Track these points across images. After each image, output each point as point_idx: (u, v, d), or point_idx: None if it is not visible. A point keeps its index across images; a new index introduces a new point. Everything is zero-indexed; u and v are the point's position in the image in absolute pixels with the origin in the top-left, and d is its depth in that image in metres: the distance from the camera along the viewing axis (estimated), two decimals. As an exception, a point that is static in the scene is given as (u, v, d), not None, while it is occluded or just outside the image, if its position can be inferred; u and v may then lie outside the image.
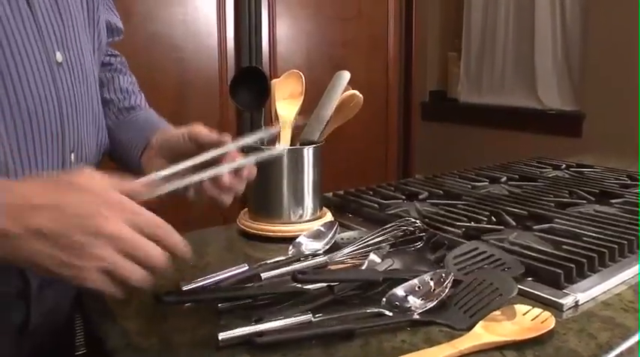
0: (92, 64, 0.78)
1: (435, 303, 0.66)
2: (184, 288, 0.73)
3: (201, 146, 0.72)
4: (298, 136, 1.02)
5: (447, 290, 0.68)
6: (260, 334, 0.60)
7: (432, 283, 0.69)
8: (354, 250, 0.83)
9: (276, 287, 0.71)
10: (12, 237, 0.48)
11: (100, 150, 0.81)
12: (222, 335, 0.60)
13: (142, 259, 0.51)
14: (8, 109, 0.62)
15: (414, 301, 0.67)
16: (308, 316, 0.64)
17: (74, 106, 0.70)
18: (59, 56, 0.68)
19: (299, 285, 0.70)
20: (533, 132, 3.48)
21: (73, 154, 0.71)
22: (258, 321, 0.63)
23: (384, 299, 0.68)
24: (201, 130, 0.74)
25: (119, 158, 0.86)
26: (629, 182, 1.30)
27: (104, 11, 0.86)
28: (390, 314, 0.66)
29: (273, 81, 1.04)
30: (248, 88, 1.00)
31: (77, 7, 0.73)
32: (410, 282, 0.69)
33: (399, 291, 0.68)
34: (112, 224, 0.50)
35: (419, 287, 0.69)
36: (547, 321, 0.63)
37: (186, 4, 1.92)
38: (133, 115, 0.88)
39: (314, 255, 0.84)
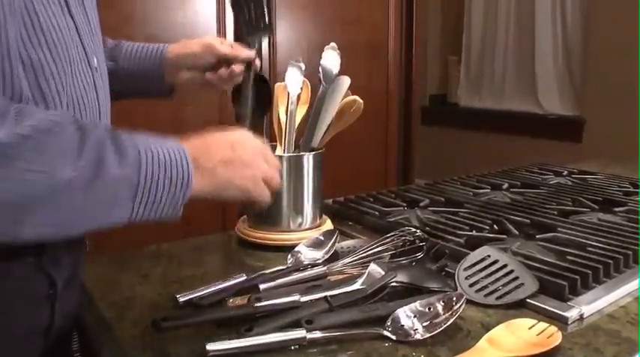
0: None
1: (442, 329, 0.64)
2: (181, 300, 0.72)
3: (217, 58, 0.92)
4: (298, 142, 1.00)
5: (456, 315, 0.65)
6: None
7: (440, 307, 0.66)
8: (353, 261, 0.82)
9: (273, 301, 0.69)
10: (208, 169, 0.64)
11: None
12: (210, 346, 0.58)
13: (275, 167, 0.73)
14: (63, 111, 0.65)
15: (419, 326, 0.65)
16: (302, 333, 0.62)
17: (105, 106, 0.75)
18: (95, 61, 0.72)
19: (297, 298, 0.69)
20: (534, 137, 3.47)
21: None
22: (249, 330, 0.62)
23: (388, 321, 0.65)
24: (216, 44, 0.92)
25: (126, 89, 0.94)
26: (631, 190, 1.29)
27: None
28: (394, 337, 0.64)
29: (277, 84, 1.02)
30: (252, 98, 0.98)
31: (93, 16, 0.77)
32: (417, 303, 0.67)
33: (405, 314, 0.66)
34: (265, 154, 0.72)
35: (428, 309, 0.66)
36: (553, 336, 0.62)
37: (185, 7, 1.91)
38: (126, 47, 0.96)
39: (313, 265, 0.83)
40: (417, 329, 0.64)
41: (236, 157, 0.68)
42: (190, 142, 0.65)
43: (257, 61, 0.95)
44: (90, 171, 0.54)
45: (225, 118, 2.00)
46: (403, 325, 0.65)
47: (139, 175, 0.57)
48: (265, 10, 0.94)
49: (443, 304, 0.67)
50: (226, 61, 0.93)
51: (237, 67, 0.93)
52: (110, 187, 0.56)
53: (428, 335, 0.63)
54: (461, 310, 0.65)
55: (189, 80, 0.96)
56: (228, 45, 0.93)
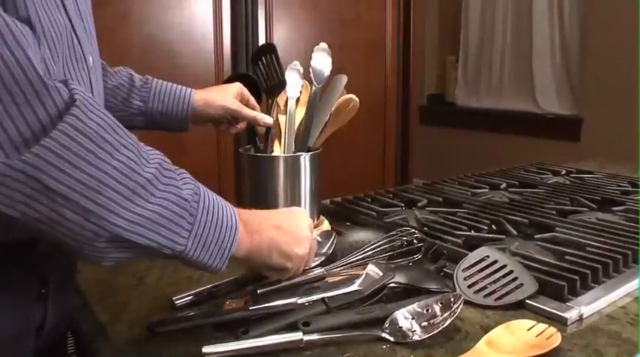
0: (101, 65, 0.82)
1: (440, 329, 0.63)
2: (177, 301, 0.71)
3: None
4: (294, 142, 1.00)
5: (454, 316, 0.65)
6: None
7: (437, 309, 0.66)
8: (351, 262, 0.81)
9: (270, 303, 0.69)
10: (255, 229, 0.65)
11: None
12: (206, 349, 0.58)
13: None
14: None
15: (417, 327, 0.64)
16: (299, 335, 0.61)
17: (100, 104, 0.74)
18: (91, 60, 0.72)
19: (293, 300, 0.68)
20: (532, 136, 3.47)
21: None
22: (245, 332, 0.61)
23: (386, 323, 0.65)
24: (241, 111, 0.98)
25: (148, 125, 1.00)
26: (630, 189, 1.29)
27: None
28: (391, 339, 0.63)
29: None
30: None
31: (88, 15, 0.76)
32: (415, 305, 0.67)
33: (403, 315, 0.66)
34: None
35: (426, 310, 0.66)
36: (553, 337, 0.61)
37: (182, 7, 1.90)
38: (154, 87, 0.99)
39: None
40: (414, 330, 0.64)
41: (286, 223, 0.70)
42: (244, 210, 0.67)
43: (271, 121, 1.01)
44: (161, 179, 0.55)
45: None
46: (401, 327, 0.64)
47: (199, 205, 0.58)
48: (278, 67, 1.00)
49: (441, 304, 0.66)
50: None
51: (242, 126, 1.02)
52: (177, 203, 0.56)
53: (426, 336, 0.63)
54: (459, 310, 0.65)
55: (209, 125, 1.04)
56: (251, 108, 1.00)
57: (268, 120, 0.99)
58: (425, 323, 0.64)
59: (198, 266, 0.59)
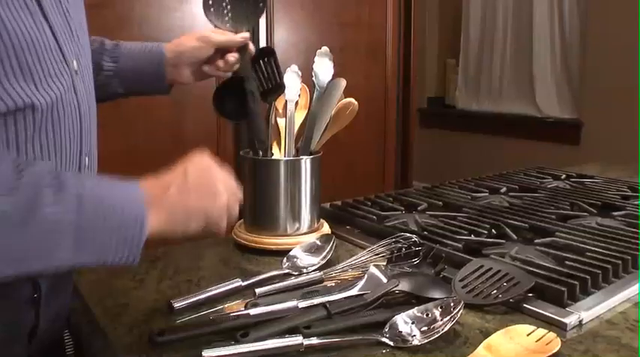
0: (91, 68, 0.81)
1: (439, 334, 0.63)
2: (176, 306, 0.71)
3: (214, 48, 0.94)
4: (297, 146, 1.00)
5: (454, 320, 0.64)
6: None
7: (437, 313, 0.66)
8: (349, 266, 0.81)
9: (270, 308, 0.68)
10: (162, 204, 0.61)
11: (98, 153, 0.83)
12: (206, 353, 0.58)
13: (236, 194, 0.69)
14: (39, 117, 0.63)
15: (417, 332, 0.64)
16: (299, 339, 0.61)
17: (88, 111, 0.73)
18: (75, 64, 0.70)
19: (293, 304, 0.68)
20: (531, 139, 3.48)
21: (87, 158, 0.74)
22: (244, 336, 0.61)
23: (386, 327, 0.65)
24: (209, 34, 0.93)
25: (125, 88, 0.96)
26: (630, 193, 1.29)
27: None
28: (391, 343, 0.63)
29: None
30: (236, 98, 0.97)
31: (76, 17, 0.75)
32: (415, 309, 0.66)
33: (403, 320, 0.65)
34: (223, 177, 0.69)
35: (426, 315, 0.66)
36: (552, 343, 0.61)
37: (183, 9, 1.90)
38: (124, 47, 0.96)
39: (309, 270, 0.83)
40: (414, 335, 0.64)
41: (190, 183, 0.64)
42: (149, 180, 0.63)
43: (251, 46, 0.97)
44: (24, 207, 0.51)
45: (223, 122, 1.99)
46: (401, 331, 0.64)
47: (80, 216, 0.54)
48: (277, 70, 1.00)
49: (441, 309, 0.66)
50: (222, 51, 0.95)
51: (232, 56, 0.94)
52: (46, 226, 0.52)
53: (426, 341, 0.63)
54: (459, 315, 0.65)
55: (189, 77, 0.97)
56: (221, 33, 0.95)
57: (244, 34, 0.96)
58: (425, 328, 0.64)
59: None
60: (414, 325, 0.65)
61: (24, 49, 0.60)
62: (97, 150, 0.83)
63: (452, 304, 0.66)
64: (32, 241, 0.52)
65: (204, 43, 0.94)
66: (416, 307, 0.67)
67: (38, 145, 0.64)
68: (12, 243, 0.51)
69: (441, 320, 0.65)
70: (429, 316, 0.66)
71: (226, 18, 0.99)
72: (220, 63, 0.95)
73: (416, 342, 0.63)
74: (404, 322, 0.65)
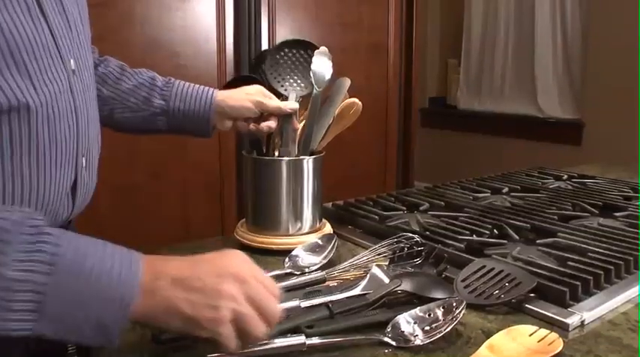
0: (92, 69, 0.80)
1: (442, 334, 0.63)
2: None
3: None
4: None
5: (456, 321, 0.64)
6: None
7: (439, 313, 0.66)
8: (351, 266, 0.81)
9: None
10: (157, 288, 0.52)
11: (99, 154, 0.83)
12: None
13: (264, 309, 0.55)
14: (34, 116, 0.62)
15: (419, 332, 0.64)
16: (302, 339, 0.61)
17: (85, 112, 0.73)
18: (72, 63, 0.70)
19: (295, 304, 0.68)
20: (533, 140, 3.48)
21: (84, 158, 0.73)
22: None
23: (388, 327, 0.65)
24: (265, 102, 0.93)
25: (178, 128, 0.97)
26: (631, 194, 1.29)
27: None
28: (394, 343, 0.63)
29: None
30: None
31: (77, 16, 0.75)
32: (417, 309, 0.67)
33: (405, 320, 0.66)
34: (242, 270, 0.56)
35: (428, 315, 0.66)
36: (554, 343, 0.61)
37: (185, 9, 1.90)
38: (176, 87, 0.96)
39: (311, 269, 0.83)
40: (417, 335, 0.64)
41: (196, 275, 0.54)
42: (152, 257, 0.55)
43: (295, 120, 0.97)
44: None
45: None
46: (403, 331, 0.64)
47: (48, 279, 0.48)
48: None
49: (443, 309, 0.66)
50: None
51: (274, 122, 0.95)
52: (3, 286, 0.47)
53: (428, 341, 0.63)
54: (461, 315, 0.65)
55: (228, 127, 0.97)
56: (275, 100, 0.95)
57: (293, 105, 0.96)
58: (427, 327, 0.64)
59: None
60: (416, 325, 0.65)
61: (19, 46, 0.60)
62: (99, 151, 0.83)
63: (454, 304, 0.66)
64: None
65: (256, 107, 0.94)
66: (418, 307, 0.67)
67: (34, 145, 0.64)
68: None
69: (443, 320, 0.65)
70: (432, 316, 0.66)
71: (282, 82, 1.02)
72: (264, 127, 0.94)
73: (418, 342, 0.63)
74: (406, 322, 0.65)
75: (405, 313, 0.66)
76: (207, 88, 0.97)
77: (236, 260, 0.57)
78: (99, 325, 0.50)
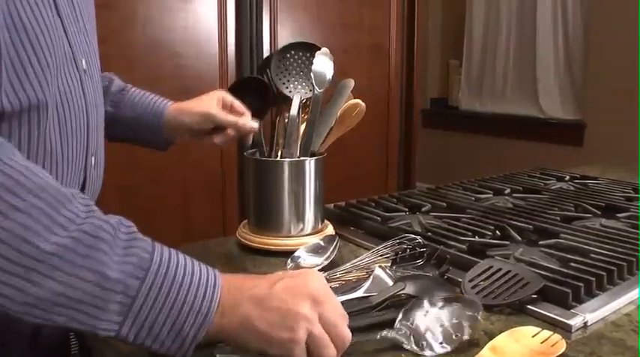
0: (100, 69, 0.81)
1: (456, 345, 0.62)
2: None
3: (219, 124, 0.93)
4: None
5: (470, 331, 0.63)
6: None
7: (450, 328, 0.64)
8: (353, 267, 0.81)
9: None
10: (230, 305, 0.53)
11: (105, 152, 0.83)
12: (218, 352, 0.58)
13: (336, 333, 0.56)
14: (44, 115, 0.62)
15: (434, 341, 0.62)
16: None
17: (95, 111, 0.73)
18: (84, 63, 0.70)
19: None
20: (535, 140, 3.48)
21: (93, 158, 0.74)
22: None
23: (401, 329, 0.64)
24: (216, 114, 0.92)
25: (123, 135, 0.96)
26: (633, 195, 1.28)
27: None
28: (408, 348, 0.62)
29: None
30: (247, 98, 0.98)
31: (87, 16, 0.75)
32: (431, 317, 0.65)
33: (419, 323, 0.64)
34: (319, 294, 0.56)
35: (441, 325, 0.64)
36: (557, 344, 0.61)
37: (187, 9, 1.90)
38: (129, 95, 0.96)
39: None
40: (431, 343, 0.62)
41: (272, 297, 0.54)
42: (230, 275, 0.56)
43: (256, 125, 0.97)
44: (80, 250, 0.48)
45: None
46: (417, 338, 0.63)
47: (140, 284, 0.50)
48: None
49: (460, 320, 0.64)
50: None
51: (231, 132, 0.95)
52: (99, 281, 0.48)
53: (449, 348, 0.62)
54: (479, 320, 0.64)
55: (186, 139, 0.98)
56: (226, 112, 0.94)
57: (252, 124, 0.95)
58: (441, 335, 0.63)
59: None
60: (429, 333, 0.63)
61: (41, 43, 0.60)
62: (105, 150, 0.83)
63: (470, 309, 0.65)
64: (81, 294, 0.48)
65: (209, 120, 0.94)
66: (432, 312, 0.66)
67: (48, 144, 0.64)
68: (52, 288, 0.47)
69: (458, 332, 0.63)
70: (446, 325, 0.64)
71: (287, 84, 1.02)
72: (217, 139, 0.96)
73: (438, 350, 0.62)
74: (422, 327, 0.63)
75: (419, 319, 0.64)
76: (160, 100, 0.97)
77: (312, 280, 0.57)
78: (178, 334, 0.51)
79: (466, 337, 0.63)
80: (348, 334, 0.57)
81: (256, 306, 0.53)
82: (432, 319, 0.65)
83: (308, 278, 0.58)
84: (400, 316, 0.65)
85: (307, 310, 0.54)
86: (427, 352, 0.61)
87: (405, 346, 0.62)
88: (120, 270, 0.49)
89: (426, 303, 0.66)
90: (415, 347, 0.62)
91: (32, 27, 0.58)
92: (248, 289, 0.55)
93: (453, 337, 0.63)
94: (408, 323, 0.64)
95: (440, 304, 0.66)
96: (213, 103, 0.95)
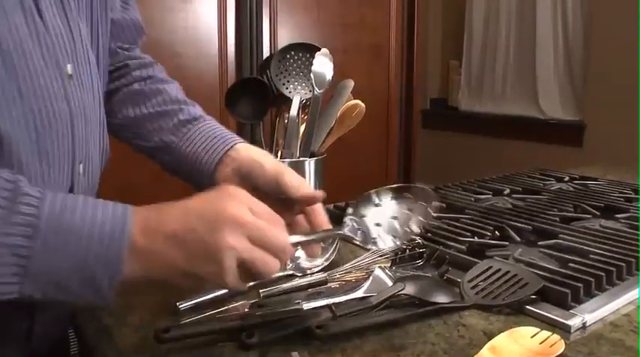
0: (96, 75, 0.76)
1: (408, 238, 0.64)
2: (181, 307, 0.71)
3: (286, 195, 0.70)
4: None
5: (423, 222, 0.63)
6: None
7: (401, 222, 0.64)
8: (353, 267, 0.82)
9: (276, 309, 0.69)
10: (148, 246, 0.51)
11: (103, 159, 0.80)
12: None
13: (271, 245, 0.53)
14: (23, 123, 0.60)
15: (385, 235, 0.64)
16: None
17: (83, 117, 0.69)
18: (70, 68, 0.66)
19: (298, 305, 0.68)
20: (534, 141, 3.47)
21: (81, 166, 0.70)
22: (250, 337, 0.62)
23: (349, 224, 0.65)
24: (292, 186, 0.70)
25: (181, 172, 0.82)
26: (633, 196, 1.29)
27: (120, 11, 0.85)
28: (359, 243, 0.64)
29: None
30: (247, 99, 0.98)
31: (83, 18, 0.72)
32: (381, 211, 0.65)
33: (369, 218, 0.65)
34: (236, 211, 0.52)
35: (393, 217, 0.65)
36: (556, 345, 0.62)
37: (187, 10, 1.91)
38: (197, 127, 0.82)
39: (313, 271, 0.83)
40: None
41: (189, 231, 0.51)
42: (144, 209, 0.53)
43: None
44: None
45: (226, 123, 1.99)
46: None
47: (30, 242, 0.47)
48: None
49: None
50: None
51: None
52: None
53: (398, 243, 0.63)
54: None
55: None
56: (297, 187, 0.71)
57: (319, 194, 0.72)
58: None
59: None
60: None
61: (12, 52, 0.57)
62: (108, 153, 0.80)
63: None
64: None
65: (276, 179, 0.72)
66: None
67: (24, 155, 0.60)
68: None
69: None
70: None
71: (287, 85, 1.00)
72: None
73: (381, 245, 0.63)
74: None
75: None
76: (225, 148, 0.78)
77: (229, 203, 0.53)
78: (91, 285, 0.49)
79: (416, 230, 0.62)
80: (284, 241, 0.54)
81: (174, 244, 0.51)
82: (382, 212, 0.64)
83: (225, 200, 0.53)
84: (350, 210, 0.64)
85: (229, 238, 0.51)
86: (380, 244, 0.62)
87: (355, 241, 0.62)
88: (5, 233, 0.47)
89: (374, 197, 0.65)
90: (365, 242, 0.62)
91: (3, 35, 0.56)
92: (162, 226, 0.51)
93: (406, 229, 0.62)
94: (357, 218, 0.63)
95: (390, 196, 0.65)
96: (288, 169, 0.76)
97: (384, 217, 0.63)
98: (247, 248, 0.52)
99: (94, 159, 0.75)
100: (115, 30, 0.86)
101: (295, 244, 0.58)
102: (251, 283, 0.57)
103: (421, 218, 0.62)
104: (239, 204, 0.53)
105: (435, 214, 0.62)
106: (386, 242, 0.61)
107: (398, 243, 0.61)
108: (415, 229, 0.61)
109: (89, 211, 0.50)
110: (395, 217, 0.62)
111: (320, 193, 0.70)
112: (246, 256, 0.51)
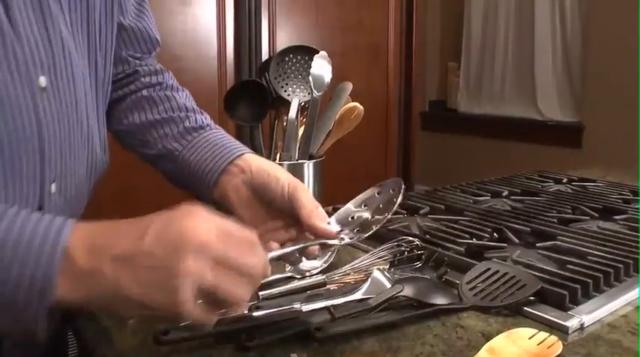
0: (83, 88, 0.70)
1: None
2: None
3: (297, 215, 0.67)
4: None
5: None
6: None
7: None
8: (352, 269, 0.82)
9: (274, 310, 0.69)
10: (86, 271, 0.44)
11: (91, 175, 0.75)
12: None
13: (241, 266, 0.46)
14: None
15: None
16: None
17: (59, 132, 0.63)
18: (43, 81, 0.61)
19: (297, 308, 0.69)
20: (533, 143, 3.48)
21: (54, 185, 0.64)
22: (249, 340, 0.62)
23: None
24: (305, 208, 0.68)
25: (183, 181, 0.80)
26: (631, 197, 1.29)
27: (133, 18, 0.81)
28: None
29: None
30: (246, 102, 0.99)
31: (78, 27, 0.68)
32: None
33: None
34: (202, 236, 0.45)
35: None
36: (554, 346, 0.62)
37: (186, 12, 1.91)
38: (203, 136, 0.79)
39: (312, 273, 0.83)
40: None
41: (143, 253, 0.44)
42: (92, 225, 0.46)
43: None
44: None
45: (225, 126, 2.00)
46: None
47: None
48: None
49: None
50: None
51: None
52: None
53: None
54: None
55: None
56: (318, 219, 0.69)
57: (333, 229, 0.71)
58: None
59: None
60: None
61: None
62: (91, 169, 0.75)
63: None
64: None
65: (287, 193, 0.70)
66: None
67: None
68: None
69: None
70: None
71: (285, 87, 1.01)
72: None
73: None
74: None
75: None
76: (231, 158, 0.75)
77: (192, 221, 0.46)
78: (18, 317, 0.43)
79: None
80: (256, 262, 0.47)
81: (123, 267, 0.44)
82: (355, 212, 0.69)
83: (186, 220, 0.46)
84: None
85: (190, 262, 0.43)
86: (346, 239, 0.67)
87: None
88: None
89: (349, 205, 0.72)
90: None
91: None
92: (112, 246, 0.44)
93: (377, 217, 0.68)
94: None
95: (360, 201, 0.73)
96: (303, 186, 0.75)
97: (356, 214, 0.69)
98: (210, 273, 0.45)
99: (76, 176, 0.70)
100: (127, 37, 0.82)
101: (276, 259, 0.57)
102: (220, 314, 0.49)
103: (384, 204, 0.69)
104: (205, 223, 0.47)
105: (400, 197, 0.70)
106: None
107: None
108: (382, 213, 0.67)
109: (17, 222, 0.44)
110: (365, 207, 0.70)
111: (334, 233, 0.69)
112: (207, 282, 0.44)
